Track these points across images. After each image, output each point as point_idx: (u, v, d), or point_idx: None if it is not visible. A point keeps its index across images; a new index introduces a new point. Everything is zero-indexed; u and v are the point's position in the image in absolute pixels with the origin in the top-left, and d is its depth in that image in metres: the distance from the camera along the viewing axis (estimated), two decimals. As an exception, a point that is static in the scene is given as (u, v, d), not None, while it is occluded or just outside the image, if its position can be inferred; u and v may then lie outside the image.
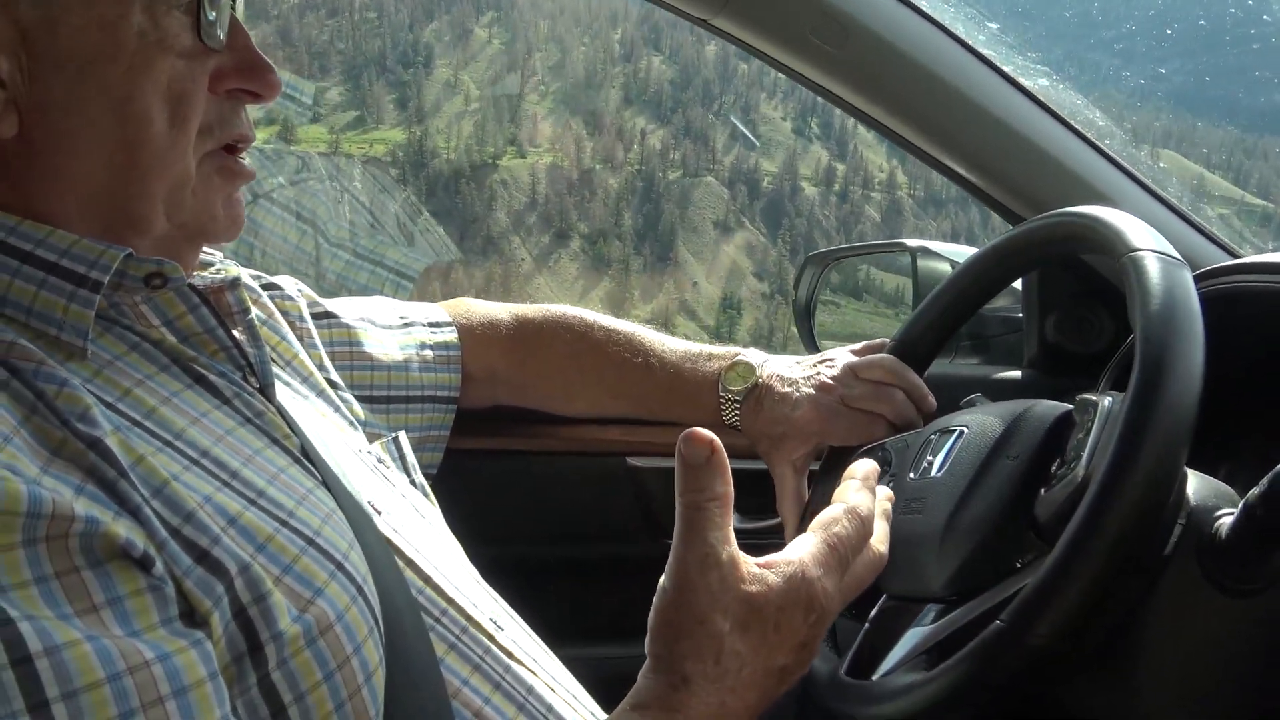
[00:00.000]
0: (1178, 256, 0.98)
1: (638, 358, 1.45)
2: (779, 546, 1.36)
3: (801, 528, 1.06)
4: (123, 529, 0.66)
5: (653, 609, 0.79)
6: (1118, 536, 0.84)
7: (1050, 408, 1.06)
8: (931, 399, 1.34)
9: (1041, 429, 1.03)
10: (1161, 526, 0.89)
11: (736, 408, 1.39)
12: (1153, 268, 0.95)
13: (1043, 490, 0.99)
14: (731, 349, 1.44)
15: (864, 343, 1.43)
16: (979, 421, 1.10)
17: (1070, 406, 1.04)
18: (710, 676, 0.77)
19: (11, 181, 0.80)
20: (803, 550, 0.85)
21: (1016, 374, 1.81)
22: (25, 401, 0.70)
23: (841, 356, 1.39)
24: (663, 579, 0.79)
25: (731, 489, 0.81)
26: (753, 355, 1.42)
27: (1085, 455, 0.93)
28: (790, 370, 1.39)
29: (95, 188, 0.82)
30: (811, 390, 1.35)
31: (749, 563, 0.81)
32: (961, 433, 1.11)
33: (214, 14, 0.85)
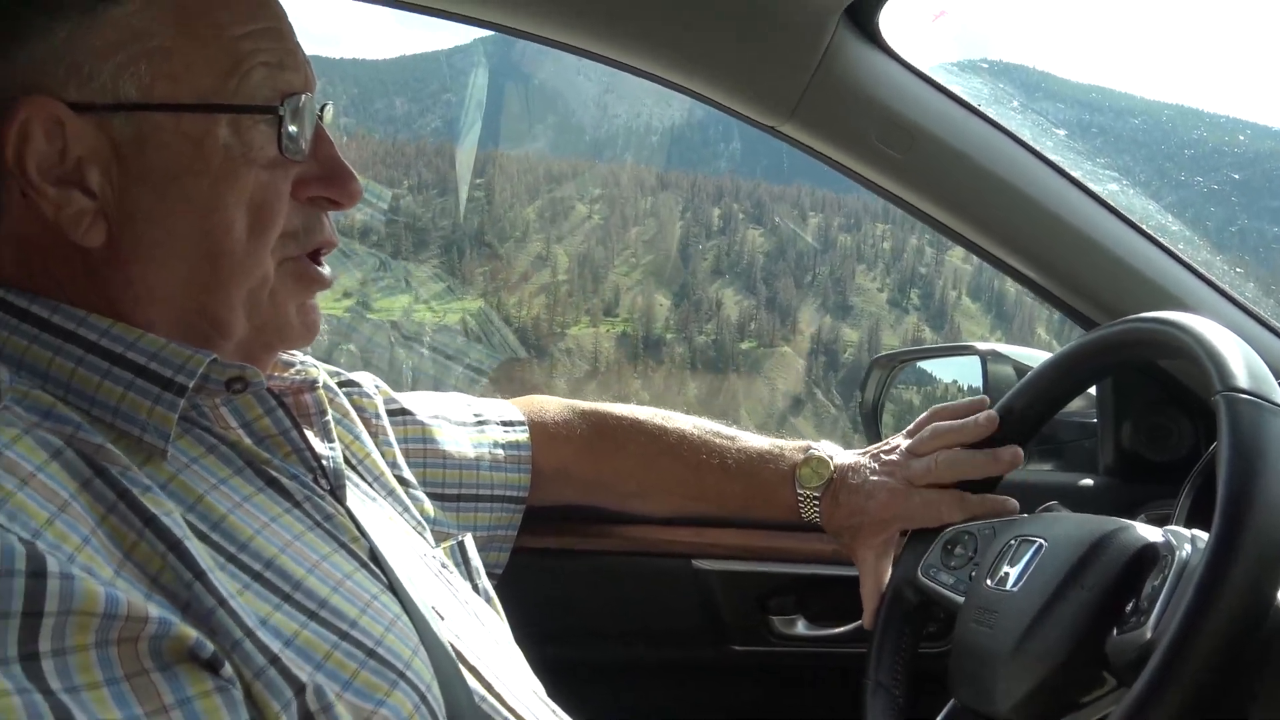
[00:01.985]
0: (1273, 401, 0.94)
1: (713, 459, 1.43)
2: (856, 656, 1.33)
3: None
4: (193, 630, 0.68)
5: None
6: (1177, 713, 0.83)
7: (1130, 540, 1.02)
8: (1008, 455, 1.31)
9: (1119, 562, 1.00)
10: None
11: (816, 504, 1.38)
12: (1247, 416, 0.92)
13: (1115, 630, 0.96)
14: (802, 442, 1.44)
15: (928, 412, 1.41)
16: (1059, 538, 1.08)
17: (1151, 539, 1.01)
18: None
19: (100, 288, 0.84)
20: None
21: (1090, 481, 1.76)
22: (105, 501, 0.72)
23: (898, 440, 1.39)
24: None
25: None
26: (824, 449, 1.41)
27: (1155, 614, 0.90)
28: (856, 462, 1.38)
29: (178, 294, 0.86)
30: (878, 477, 1.34)
31: None
32: (1041, 546, 1.09)
33: (295, 127, 0.88)
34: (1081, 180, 1.56)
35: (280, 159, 0.88)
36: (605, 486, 1.49)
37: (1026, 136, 1.54)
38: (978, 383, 1.96)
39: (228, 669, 0.69)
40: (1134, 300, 1.54)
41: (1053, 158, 1.54)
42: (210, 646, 0.68)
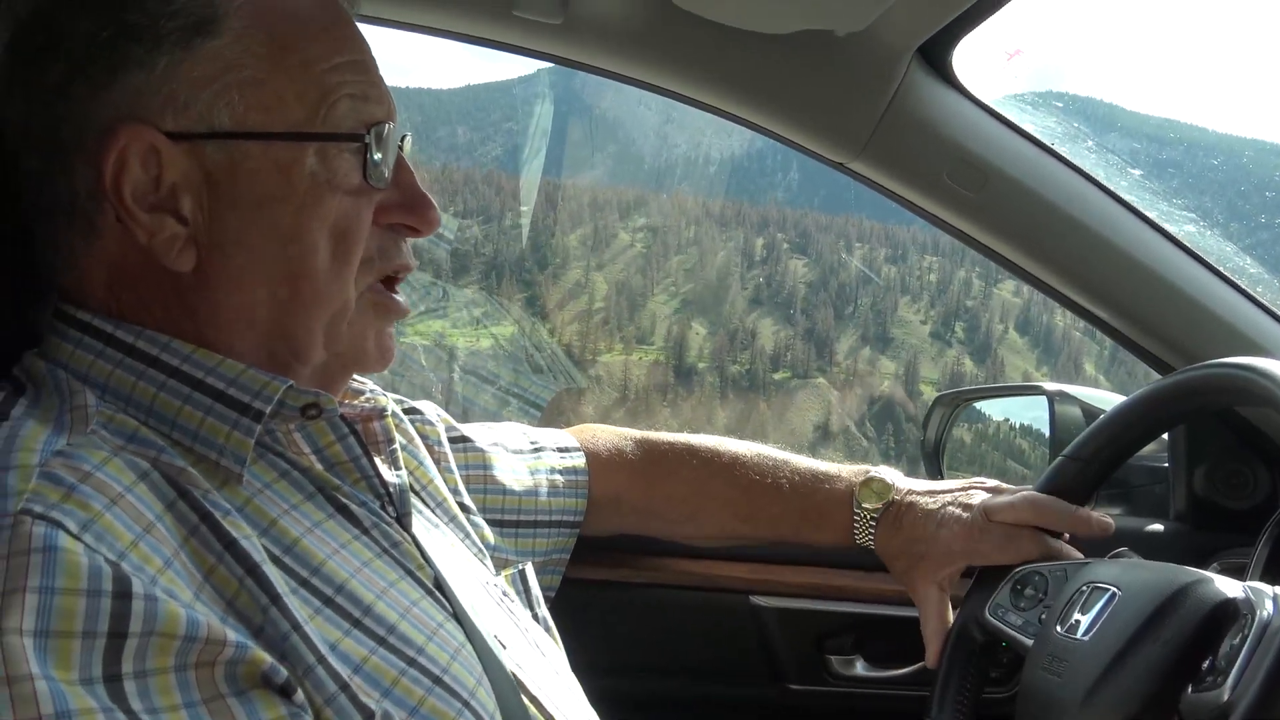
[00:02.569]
0: None
1: (766, 479, 1.42)
2: (916, 699, 1.30)
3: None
4: (267, 656, 0.69)
5: None
6: None
7: (1209, 594, 0.98)
8: (1097, 522, 1.28)
9: (1196, 617, 0.97)
10: None
11: (872, 526, 1.35)
12: None
13: (1190, 688, 0.93)
14: (862, 466, 1.41)
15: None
16: (1133, 586, 1.05)
17: (1230, 595, 0.97)
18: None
19: (188, 312, 0.86)
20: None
21: (1160, 526, 1.72)
22: (188, 523, 0.74)
23: (986, 482, 1.36)
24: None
25: None
26: (885, 473, 1.39)
27: (1234, 675, 0.87)
28: (931, 488, 1.35)
29: (262, 320, 0.88)
30: (954, 508, 1.31)
31: None
32: (1114, 595, 1.06)
33: (379, 155, 0.91)
34: (1157, 221, 1.54)
35: (364, 186, 0.90)
36: (657, 514, 1.48)
37: (1100, 176, 1.53)
38: (1044, 425, 1.93)
39: (300, 696, 0.70)
40: (1210, 344, 1.51)
41: (1128, 198, 1.52)
42: (284, 672, 0.69)
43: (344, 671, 0.74)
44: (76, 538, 0.65)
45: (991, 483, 1.37)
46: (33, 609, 0.61)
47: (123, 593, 0.63)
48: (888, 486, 1.36)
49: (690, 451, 1.47)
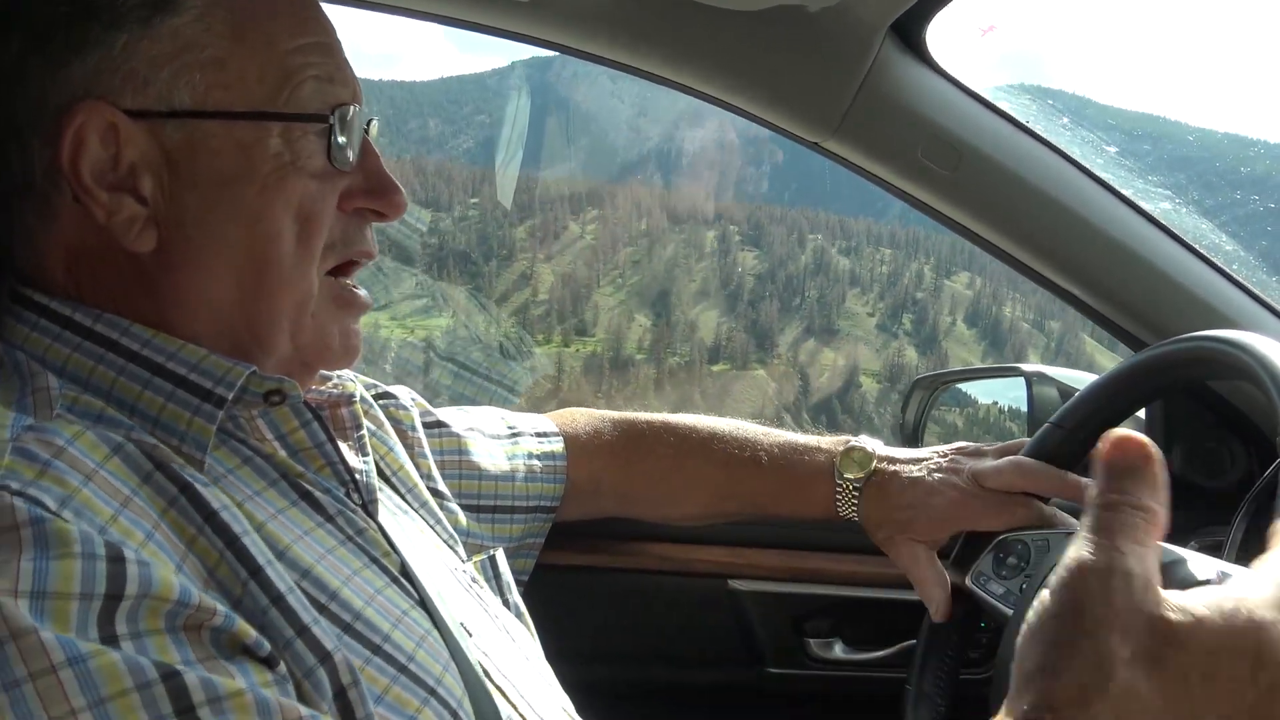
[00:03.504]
0: None
1: (745, 452, 1.40)
2: (895, 680, 1.29)
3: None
4: (252, 628, 0.69)
5: (1024, 625, 0.58)
6: None
7: (1183, 578, 0.96)
8: (1083, 484, 1.24)
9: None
10: None
11: (855, 496, 1.33)
12: None
13: None
14: (842, 437, 1.39)
15: (999, 444, 1.38)
16: None
17: (1203, 579, 0.95)
18: (1092, 712, 0.53)
19: (149, 295, 0.85)
20: (1248, 586, 0.60)
21: None
22: (167, 495, 0.74)
23: (967, 447, 1.34)
24: (1043, 590, 0.59)
25: (1164, 512, 0.61)
26: (866, 442, 1.37)
27: None
28: (913, 456, 1.34)
29: (225, 304, 0.87)
30: (943, 475, 1.30)
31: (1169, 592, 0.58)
32: None
33: (344, 138, 0.90)
34: (1132, 198, 1.53)
35: (328, 169, 0.89)
36: (637, 495, 1.46)
37: (1076, 154, 1.52)
38: (1022, 405, 1.93)
39: (282, 668, 0.70)
40: (1185, 320, 1.50)
41: (1103, 175, 1.52)
42: (267, 645, 0.69)
43: (312, 657, 0.73)
44: (56, 514, 0.64)
45: (972, 446, 1.35)
46: (28, 574, 0.61)
47: (116, 557, 0.64)
48: (869, 456, 1.34)
49: (667, 429, 1.46)
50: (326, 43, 0.91)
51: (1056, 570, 0.58)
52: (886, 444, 1.39)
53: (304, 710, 0.66)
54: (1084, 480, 1.26)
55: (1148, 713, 0.53)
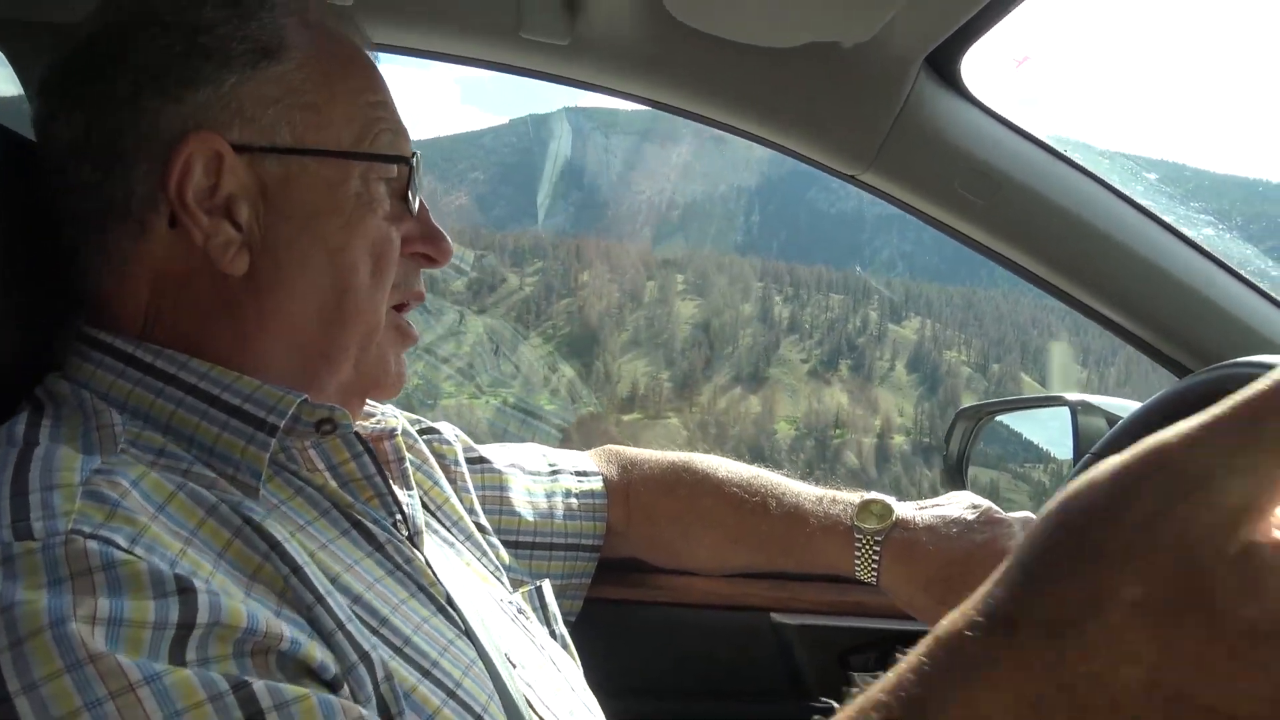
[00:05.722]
0: None
1: (755, 498, 1.36)
2: None
3: None
4: (318, 651, 0.71)
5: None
6: None
7: None
8: None
9: None
10: None
11: (876, 552, 1.25)
12: None
13: None
14: (859, 492, 1.33)
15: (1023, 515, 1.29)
16: None
17: None
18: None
19: (232, 317, 0.90)
20: None
21: None
22: (231, 526, 0.77)
23: (974, 505, 1.25)
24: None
25: None
26: (883, 497, 1.30)
27: None
28: (939, 514, 1.25)
29: (304, 326, 0.92)
30: (985, 533, 1.20)
31: None
32: None
33: (411, 192, 0.99)
34: (1174, 225, 1.52)
35: (397, 212, 0.98)
36: (657, 535, 1.43)
37: (1115, 181, 1.51)
38: (1067, 435, 1.91)
39: (345, 691, 0.72)
40: (1230, 346, 1.49)
41: (1143, 202, 1.51)
42: (333, 669, 0.72)
43: (370, 684, 0.76)
44: (128, 551, 0.67)
45: (984, 503, 1.27)
46: (105, 608, 0.64)
47: (187, 588, 0.66)
48: (889, 509, 1.27)
49: (686, 469, 1.43)
50: (389, 101, 1.00)
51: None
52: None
53: (364, 711, 0.69)
54: None
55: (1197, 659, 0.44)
